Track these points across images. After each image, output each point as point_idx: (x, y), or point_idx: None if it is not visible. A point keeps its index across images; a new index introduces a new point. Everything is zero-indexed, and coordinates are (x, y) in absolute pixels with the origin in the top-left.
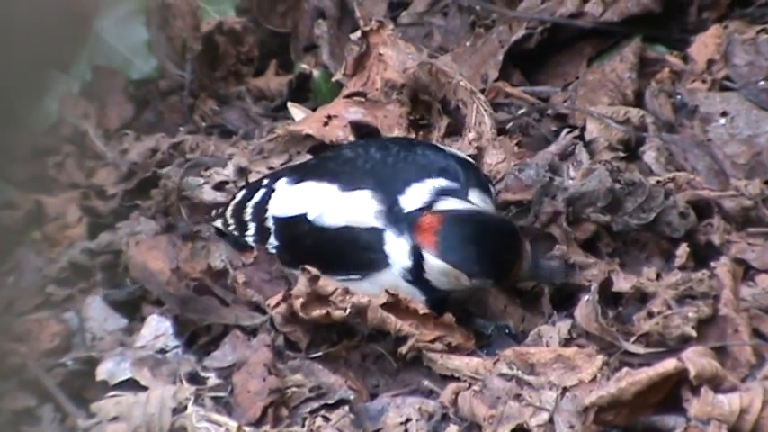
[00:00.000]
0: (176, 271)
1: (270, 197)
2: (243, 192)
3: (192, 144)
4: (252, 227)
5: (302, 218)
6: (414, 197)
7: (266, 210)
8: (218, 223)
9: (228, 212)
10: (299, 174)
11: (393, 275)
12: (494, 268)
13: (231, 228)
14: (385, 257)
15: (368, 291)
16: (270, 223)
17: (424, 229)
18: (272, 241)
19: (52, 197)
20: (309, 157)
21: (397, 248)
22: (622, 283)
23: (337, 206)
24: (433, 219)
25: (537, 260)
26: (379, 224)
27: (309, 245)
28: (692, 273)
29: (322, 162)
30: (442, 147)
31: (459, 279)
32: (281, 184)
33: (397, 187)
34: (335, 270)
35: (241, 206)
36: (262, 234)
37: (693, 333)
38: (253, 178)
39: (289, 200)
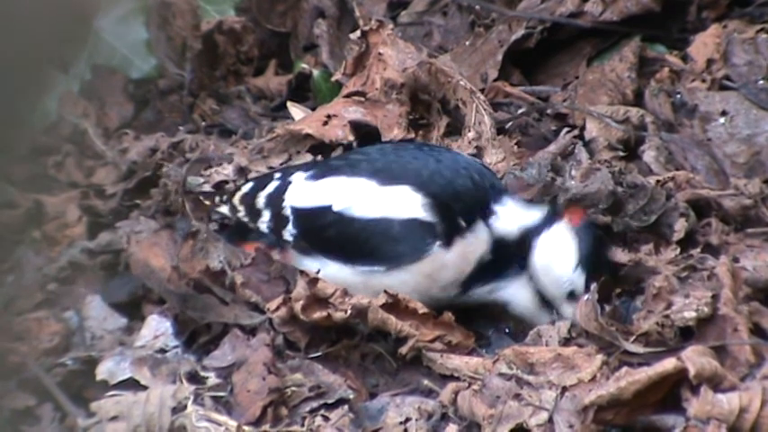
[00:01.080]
0: (176, 269)
1: (286, 189)
2: (249, 183)
3: (191, 143)
4: (266, 214)
5: (327, 209)
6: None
7: (283, 199)
8: (224, 209)
9: (236, 200)
10: (321, 170)
11: (442, 256)
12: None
13: (241, 214)
14: (423, 247)
15: (386, 284)
16: (287, 212)
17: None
18: (290, 229)
19: (52, 196)
20: (309, 156)
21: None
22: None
23: (374, 198)
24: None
25: None
26: (423, 215)
27: (334, 235)
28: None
29: (349, 162)
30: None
31: (564, 276)
32: (298, 178)
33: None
34: (358, 261)
35: (252, 196)
36: (277, 221)
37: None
38: (252, 177)
39: (310, 193)
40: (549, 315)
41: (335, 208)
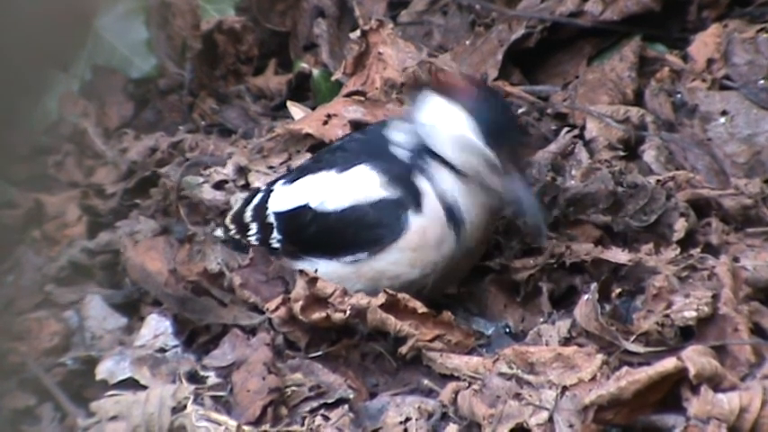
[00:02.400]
0: (174, 272)
1: (268, 197)
2: (240, 202)
3: (191, 143)
4: (254, 227)
5: (305, 208)
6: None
7: (266, 208)
8: (219, 232)
9: (228, 220)
10: (295, 174)
11: (420, 226)
12: (510, 138)
13: (233, 232)
14: (399, 224)
15: (376, 268)
16: (271, 219)
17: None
18: (275, 236)
19: (52, 196)
20: (309, 155)
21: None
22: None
23: (338, 188)
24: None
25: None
26: (388, 193)
27: (313, 232)
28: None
29: (317, 158)
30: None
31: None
32: (278, 186)
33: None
34: (341, 253)
35: (240, 212)
36: (264, 232)
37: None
38: (252, 177)
39: (288, 195)
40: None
41: (312, 204)
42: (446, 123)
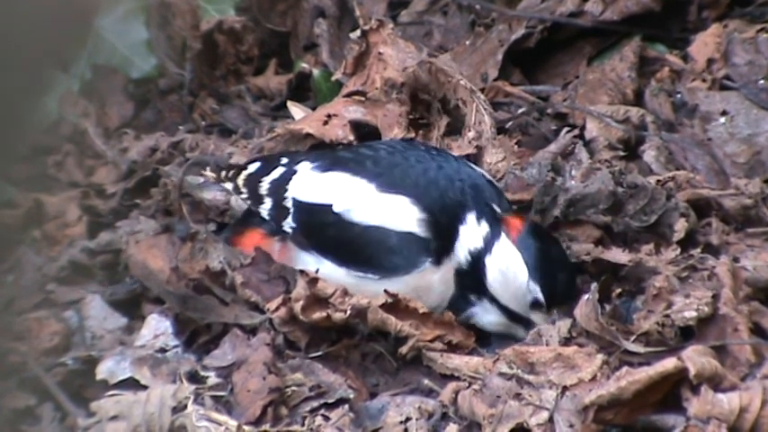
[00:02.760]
0: (176, 270)
1: (290, 177)
2: (256, 164)
3: (191, 143)
4: (268, 201)
5: (327, 208)
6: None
7: (286, 189)
8: (228, 185)
9: (240, 180)
10: (327, 162)
11: (431, 274)
12: (559, 296)
13: (244, 196)
14: (416, 262)
15: (379, 290)
16: (289, 203)
17: (512, 225)
18: (290, 221)
19: (52, 196)
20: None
21: (470, 240)
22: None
23: (371, 205)
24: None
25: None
26: (418, 231)
27: (332, 235)
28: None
29: (357, 157)
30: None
31: (521, 290)
32: (305, 168)
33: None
34: (354, 266)
35: (256, 179)
36: (278, 211)
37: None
38: None
39: (313, 186)
40: (524, 327)
41: (336, 209)
42: (503, 266)
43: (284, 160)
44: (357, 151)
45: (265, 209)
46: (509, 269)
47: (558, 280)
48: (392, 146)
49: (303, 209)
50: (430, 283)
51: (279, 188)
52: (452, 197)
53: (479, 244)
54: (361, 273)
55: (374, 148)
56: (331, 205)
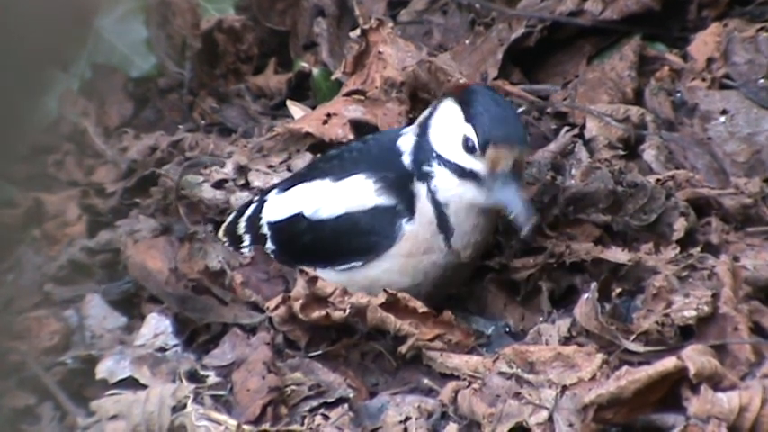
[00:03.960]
0: (175, 271)
1: (262, 208)
2: (233, 214)
3: (191, 142)
4: (246, 238)
5: (298, 216)
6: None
7: (260, 218)
8: None
9: (221, 233)
10: (289, 182)
11: (412, 233)
12: (505, 134)
13: (226, 245)
14: (393, 232)
15: (370, 276)
16: (265, 230)
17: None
18: (269, 246)
19: (52, 195)
20: (309, 155)
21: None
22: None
23: (333, 197)
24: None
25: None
26: (382, 201)
27: (308, 241)
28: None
29: (311, 167)
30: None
31: (455, 134)
32: (272, 195)
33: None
34: (336, 261)
35: (233, 223)
36: (257, 243)
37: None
38: (252, 176)
39: (281, 204)
40: (475, 185)
41: (306, 213)
42: (443, 121)
43: (255, 198)
44: (312, 163)
45: (245, 246)
46: (446, 117)
47: (493, 118)
48: (342, 144)
49: (277, 228)
50: (415, 235)
51: (254, 221)
52: (388, 142)
53: (425, 114)
54: (346, 265)
55: (324, 153)
56: (301, 212)
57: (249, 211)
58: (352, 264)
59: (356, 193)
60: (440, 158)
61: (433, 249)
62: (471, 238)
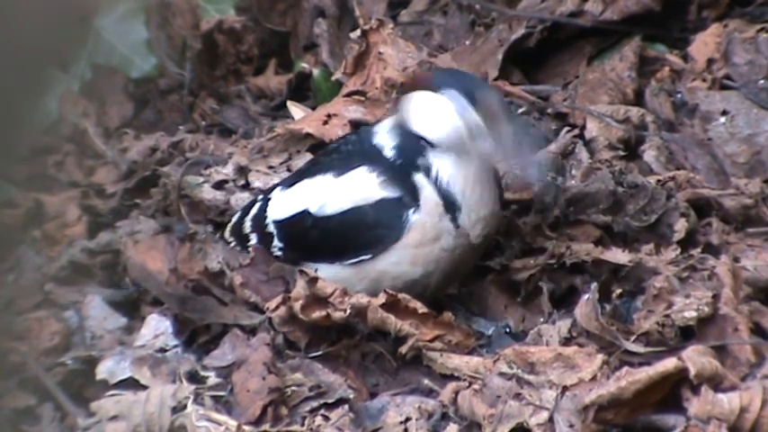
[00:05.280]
0: (175, 271)
1: (267, 206)
2: (238, 213)
3: (191, 143)
4: (253, 237)
5: (304, 213)
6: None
7: (265, 217)
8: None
9: (227, 233)
10: (291, 179)
11: (420, 222)
12: (487, 95)
13: (233, 245)
14: (400, 223)
15: (379, 269)
16: (271, 228)
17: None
18: (276, 244)
19: (52, 196)
20: (309, 155)
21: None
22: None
23: (338, 192)
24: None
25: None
26: (387, 193)
27: (315, 237)
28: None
29: (312, 162)
30: None
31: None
32: (276, 193)
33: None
34: (344, 255)
35: (239, 223)
36: (264, 241)
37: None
38: (252, 177)
39: (286, 202)
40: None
41: (312, 210)
42: (422, 109)
43: (260, 197)
44: (313, 158)
45: (252, 245)
46: (423, 105)
47: (465, 80)
48: (341, 139)
49: (284, 225)
50: (422, 224)
51: (260, 220)
52: (376, 146)
53: (395, 114)
54: (355, 258)
55: (325, 150)
56: (307, 209)
57: (254, 210)
58: (362, 257)
59: (360, 187)
60: (432, 144)
61: (442, 234)
62: (480, 213)
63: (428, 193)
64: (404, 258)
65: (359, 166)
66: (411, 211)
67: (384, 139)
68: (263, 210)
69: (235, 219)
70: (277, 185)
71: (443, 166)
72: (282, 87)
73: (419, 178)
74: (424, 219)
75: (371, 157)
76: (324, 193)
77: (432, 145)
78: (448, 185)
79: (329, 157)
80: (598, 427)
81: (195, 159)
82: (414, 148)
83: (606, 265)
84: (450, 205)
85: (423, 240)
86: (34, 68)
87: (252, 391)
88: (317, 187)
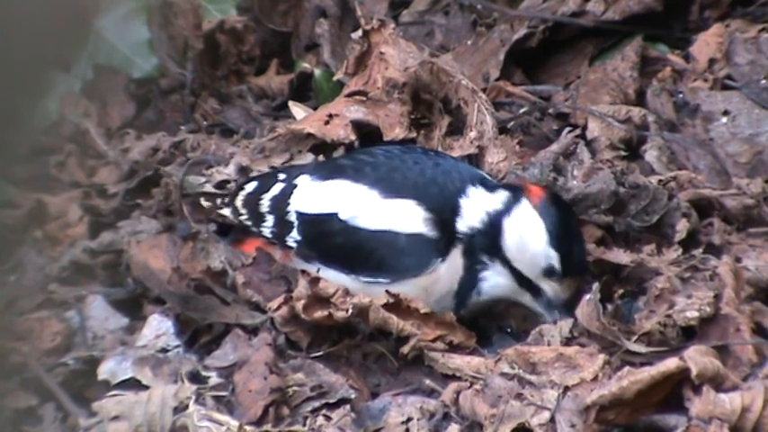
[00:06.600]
0: (177, 270)
1: (291, 192)
2: (254, 183)
3: (193, 143)
4: (270, 219)
5: (333, 216)
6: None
7: (288, 204)
8: (227, 212)
9: (239, 202)
10: (326, 171)
11: (439, 269)
12: (575, 266)
13: (244, 218)
14: (426, 262)
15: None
16: (292, 217)
17: (534, 192)
18: (294, 235)
19: (54, 196)
20: (311, 155)
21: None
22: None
23: (377, 210)
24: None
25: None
26: (426, 231)
27: (339, 243)
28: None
29: (356, 164)
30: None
31: (537, 254)
32: (304, 180)
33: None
34: (364, 271)
35: (255, 197)
36: (281, 227)
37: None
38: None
39: (316, 197)
40: (530, 295)
41: (342, 216)
42: (521, 231)
43: (282, 176)
44: (355, 158)
45: (267, 226)
46: (528, 232)
47: (575, 250)
48: (389, 150)
49: (308, 221)
50: (438, 277)
51: (280, 204)
52: (451, 188)
53: (498, 206)
54: (371, 278)
55: (372, 154)
56: (336, 213)
57: (276, 191)
58: (379, 279)
59: (403, 216)
60: (506, 263)
61: (447, 297)
62: (479, 306)
63: (455, 257)
64: (412, 292)
65: (408, 197)
66: (439, 257)
67: (471, 217)
68: (286, 194)
69: (249, 189)
70: (303, 169)
71: (500, 279)
72: (284, 87)
73: (458, 252)
74: (442, 273)
75: (436, 200)
76: (361, 205)
77: (507, 264)
78: (480, 289)
79: (377, 170)
80: (600, 427)
81: (197, 159)
82: (489, 247)
83: (608, 266)
84: (462, 298)
85: (434, 289)
86: (36, 69)
87: (253, 391)
88: (356, 195)
